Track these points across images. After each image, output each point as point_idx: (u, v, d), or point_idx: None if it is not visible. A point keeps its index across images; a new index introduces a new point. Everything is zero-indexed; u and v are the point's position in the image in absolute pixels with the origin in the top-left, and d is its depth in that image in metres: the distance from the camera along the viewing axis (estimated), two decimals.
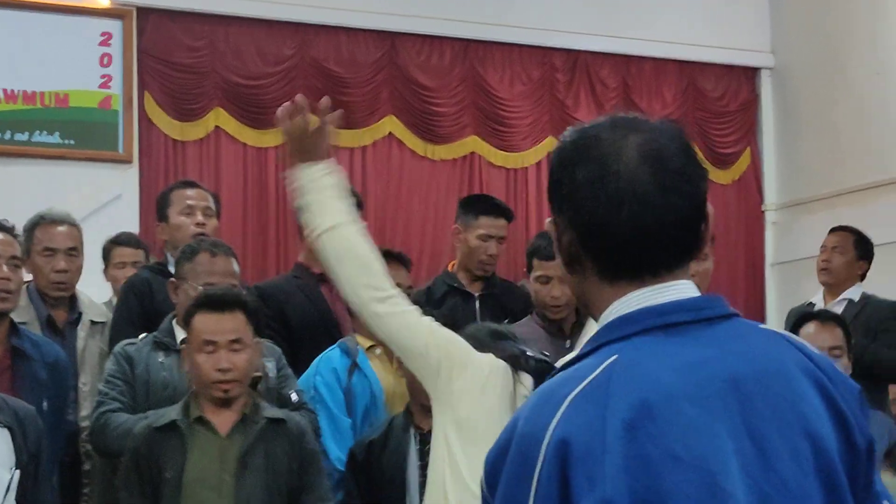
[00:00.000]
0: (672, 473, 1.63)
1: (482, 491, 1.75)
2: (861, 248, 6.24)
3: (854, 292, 6.12)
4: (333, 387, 4.81)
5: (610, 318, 1.80)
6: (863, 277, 6.22)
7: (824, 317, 4.82)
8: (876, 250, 6.51)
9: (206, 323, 4.12)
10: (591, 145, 1.81)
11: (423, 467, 4.39)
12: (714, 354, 1.76)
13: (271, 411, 4.22)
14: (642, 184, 1.76)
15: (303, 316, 5.30)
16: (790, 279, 9.91)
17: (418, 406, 4.46)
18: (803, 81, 10.23)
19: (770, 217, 10.50)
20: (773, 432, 1.73)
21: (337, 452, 4.69)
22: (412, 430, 4.46)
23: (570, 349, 5.02)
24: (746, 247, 10.43)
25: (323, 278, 5.31)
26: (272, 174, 8.81)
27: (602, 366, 1.71)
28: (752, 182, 10.47)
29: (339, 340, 4.96)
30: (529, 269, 5.15)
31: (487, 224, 5.59)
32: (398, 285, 4.97)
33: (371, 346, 4.94)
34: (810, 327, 4.71)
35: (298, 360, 4.96)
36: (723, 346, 1.77)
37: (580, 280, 1.85)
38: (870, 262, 6.24)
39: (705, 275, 5.05)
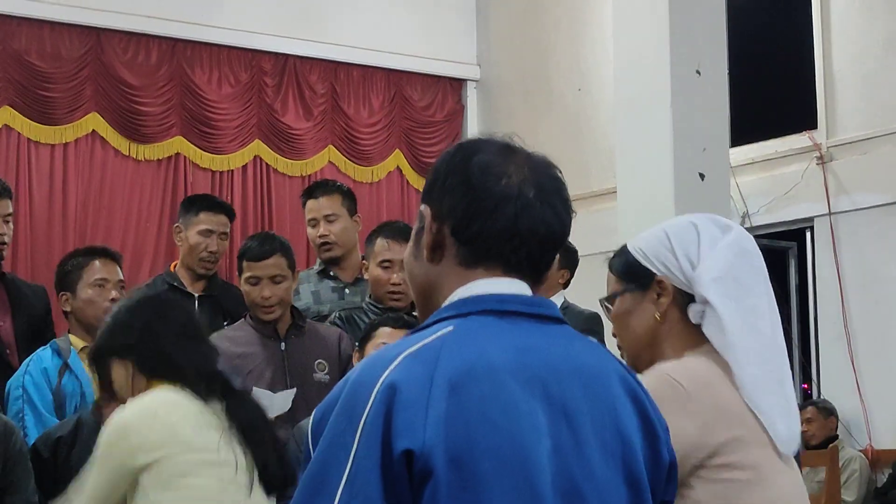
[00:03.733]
0: (487, 436, 1.75)
1: (305, 445, 1.82)
2: (565, 257, 6.38)
3: (556, 300, 6.25)
4: (42, 387, 4.70)
5: (452, 300, 1.91)
6: (566, 285, 6.37)
7: (398, 322, 4.91)
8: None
9: None
10: (486, 149, 1.95)
11: None
12: (541, 344, 1.88)
13: None
14: (527, 191, 1.92)
15: None
16: None
17: (109, 405, 4.43)
18: (508, 94, 10.50)
19: None
20: (587, 424, 1.85)
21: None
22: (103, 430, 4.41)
23: (286, 352, 5.03)
24: None
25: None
26: None
27: (437, 334, 1.83)
28: None
29: (52, 340, 4.84)
30: (240, 271, 5.12)
31: (207, 219, 5.54)
32: (105, 280, 4.92)
33: (84, 347, 4.83)
34: (384, 330, 4.81)
35: None
36: (550, 340, 1.91)
37: (436, 266, 1.94)
38: (573, 271, 6.39)
39: None
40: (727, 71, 6.22)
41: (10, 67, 8.65)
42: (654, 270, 2.64)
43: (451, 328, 1.84)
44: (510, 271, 1.92)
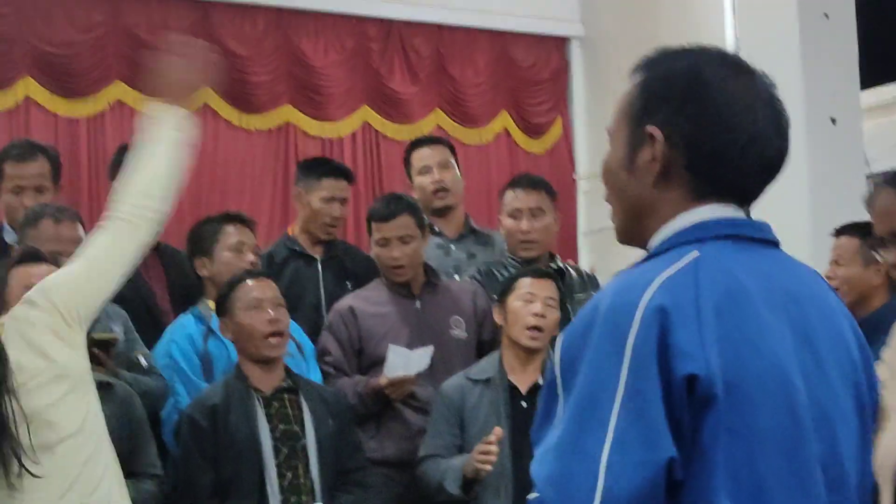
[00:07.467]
0: (752, 360, 1.74)
1: (550, 372, 1.78)
2: None
3: None
4: (189, 353, 4.74)
5: (682, 226, 1.88)
6: None
7: (539, 273, 4.87)
8: None
9: None
10: (722, 73, 1.91)
11: (273, 429, 4.37)
12: (775, 269, 1.88)
13: (106, 375, 4.08)
14: (770, 129, 1.90)
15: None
16: (601, 246, 10.01)
17: (249, 365, 4.48)
18: (613, 51, 10.34)
19: (582, 186, 10.61)
20: (825, 348, 1.85)
21: None
22: (254, 393, 4.42)
23: (420, 310, 5.02)
24: (560, 215, 10.51)
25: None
26: (84, 145, 8.54)
27: (685, 258, 1.80)
28: (564, 151, 10.57)
29: (191, 307, 4.87)
30: (370, 232, 5.12)
31: (330, 186, 5.50)
32: (242, 243, 4.94)
33: None
34: (526, 281, 4.78)
35: None
36: (781, 265, 1.91)
37: (656, 191, 1.90)
38: None
39: (546, 231, 5.16)
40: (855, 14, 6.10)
41: (121, 42, 8.66)
42: None
43: (696, 253, 1.81)
44: (737, 201, 1.92)
